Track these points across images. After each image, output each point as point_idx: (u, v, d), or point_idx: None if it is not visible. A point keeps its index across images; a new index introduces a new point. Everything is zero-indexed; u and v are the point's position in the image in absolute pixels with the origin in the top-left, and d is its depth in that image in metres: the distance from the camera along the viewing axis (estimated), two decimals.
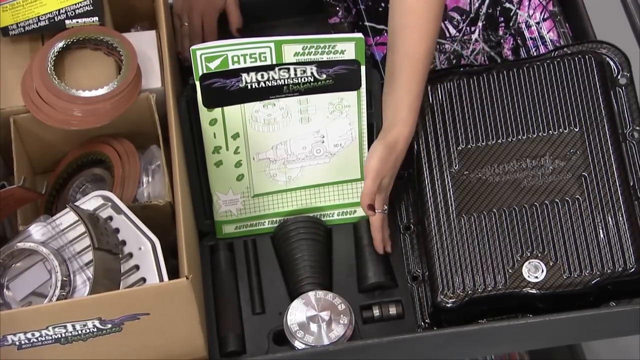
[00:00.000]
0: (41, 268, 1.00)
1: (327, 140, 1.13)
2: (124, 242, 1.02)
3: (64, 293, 0.98)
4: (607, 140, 1.05)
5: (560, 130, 1.07)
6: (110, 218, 1.03)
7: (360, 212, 1.16)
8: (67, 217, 1.02)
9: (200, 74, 1.07)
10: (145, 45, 1.15)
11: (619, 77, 1.10)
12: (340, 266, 1.13)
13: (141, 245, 1.01)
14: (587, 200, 1.04)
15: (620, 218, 1.02)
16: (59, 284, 0.98)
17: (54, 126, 1.08)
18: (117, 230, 1.02)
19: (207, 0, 1.28)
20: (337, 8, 1.28)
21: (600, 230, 1.02)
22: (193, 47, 1.06)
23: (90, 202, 1.04)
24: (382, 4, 1.25)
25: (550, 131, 1.07)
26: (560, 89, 1.08)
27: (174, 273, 1.00)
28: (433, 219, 1.07)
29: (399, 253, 1.12)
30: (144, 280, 1.00)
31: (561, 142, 1.07)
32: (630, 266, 1.01)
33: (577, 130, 1.07)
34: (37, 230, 1.02)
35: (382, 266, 1.11)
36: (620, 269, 1.01)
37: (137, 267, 1.01)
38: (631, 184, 1.05)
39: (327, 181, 1.15)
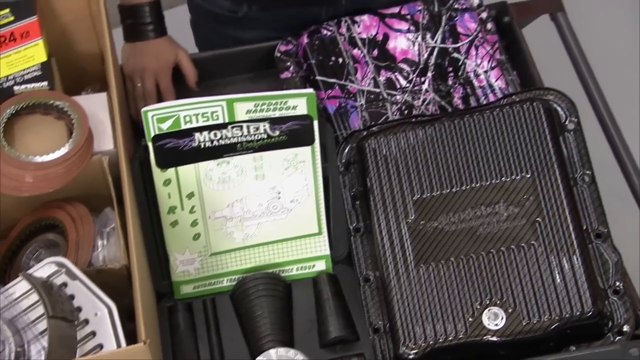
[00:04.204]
0: None
1: (283, 196, 1.13)
2: (79, 309, 1.00)
3: None
4: (559, 185, 1.07)
5: (513, 176, 1.08)
6: (65, 284, 1.01)
7: (319, 267, 1.15)
8: (20, 286, 1.00)
9: (152, 134, 1.06)
10: (96, 107, 1.14)
11: (567, 122, 1.12)
12: (301, 321, 1.12)
13: (97, 311, 0.99)
14: (542, 245, 1.05)
15: (576, 262, 1.03)
16: (12, 356, 0.95)
17: (5, 193, 1.06)
18: (72, 297, 1.00)
19: (158, 58, 1.26)
20: (288, 63, 1.29)
21: (557, 275, 1.03)
22: (144, 108, 1.06)
23: (44, 269, 1.02)
24: (333, 58, 1.26)
25: (502, 178, 1.08)
26: (510, 136, 1.10)
27: (131, 337, 0.98)
28: (392, 270, 1.07)
29: (359, 305, 1.11)
30: (101, 346, 0.98)
31: (514, 189, 1.08)
32: (587, 310, 1.01)
33: (528, 176, 1.08)
34: None
35: (343, 319, 1.10)
36: (577, 313, 1.01)
37: (93, 334, 0.99)
38: (584, 227, 1.06)
39: (284, 237, 1.14)
